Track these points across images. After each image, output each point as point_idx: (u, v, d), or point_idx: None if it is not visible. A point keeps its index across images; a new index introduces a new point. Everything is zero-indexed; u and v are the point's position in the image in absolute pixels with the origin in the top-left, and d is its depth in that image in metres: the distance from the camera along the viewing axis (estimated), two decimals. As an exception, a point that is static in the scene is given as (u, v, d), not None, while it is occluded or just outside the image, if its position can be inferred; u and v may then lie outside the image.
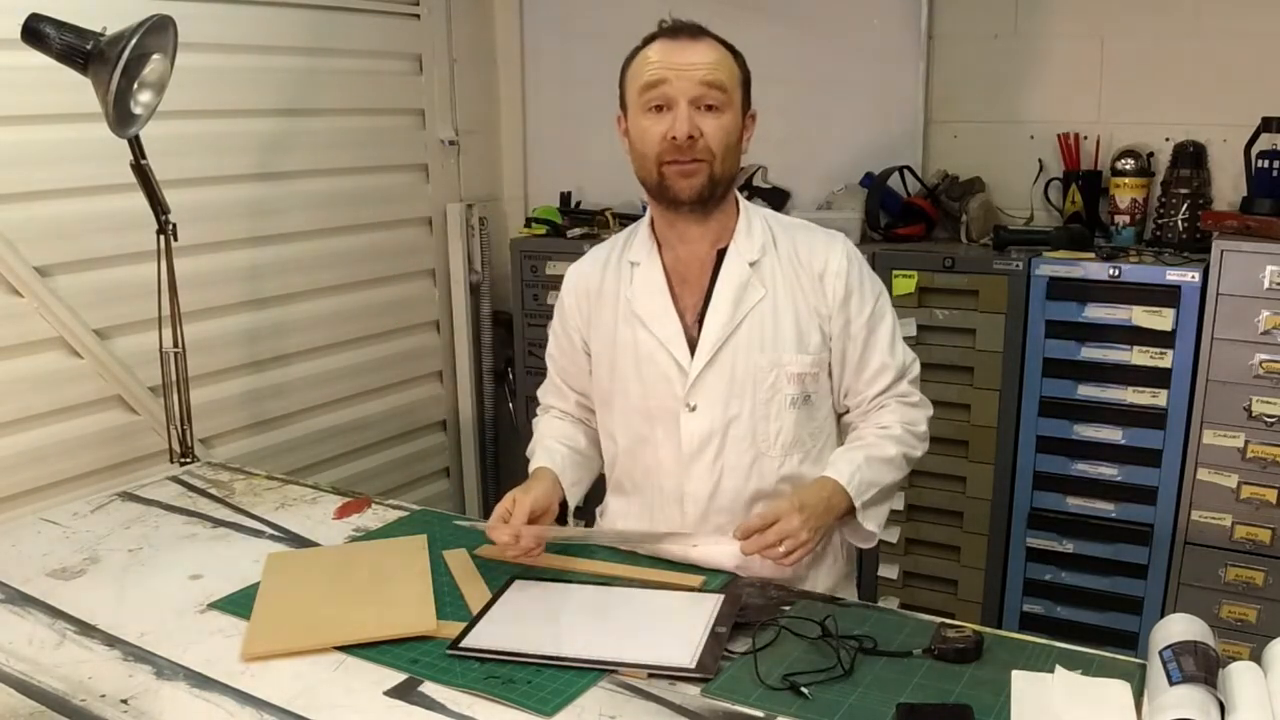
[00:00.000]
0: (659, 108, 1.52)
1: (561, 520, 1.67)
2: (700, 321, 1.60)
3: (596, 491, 1.82)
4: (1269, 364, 2.21)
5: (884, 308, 1.64)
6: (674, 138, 1.50)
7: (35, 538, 1.79)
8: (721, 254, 1.61)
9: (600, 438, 1.77)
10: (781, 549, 1.45)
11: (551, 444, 1.74)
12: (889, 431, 1.62)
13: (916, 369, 1.69)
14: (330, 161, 2.93)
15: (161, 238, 2.14)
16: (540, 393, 1.86)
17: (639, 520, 1.70)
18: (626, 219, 3.11)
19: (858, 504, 1.55)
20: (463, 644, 1.36)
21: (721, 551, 1.58)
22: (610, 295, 1.68)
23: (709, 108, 1.51)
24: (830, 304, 1.60)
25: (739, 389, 1.59)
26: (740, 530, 1.47)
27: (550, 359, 1.81)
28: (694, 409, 1.60)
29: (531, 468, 1.71)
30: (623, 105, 1.60)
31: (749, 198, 3.04)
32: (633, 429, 1.67)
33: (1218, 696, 1.12)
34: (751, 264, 1.60)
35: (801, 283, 1.61)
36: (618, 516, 1.75)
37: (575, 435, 1.79)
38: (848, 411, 1.69)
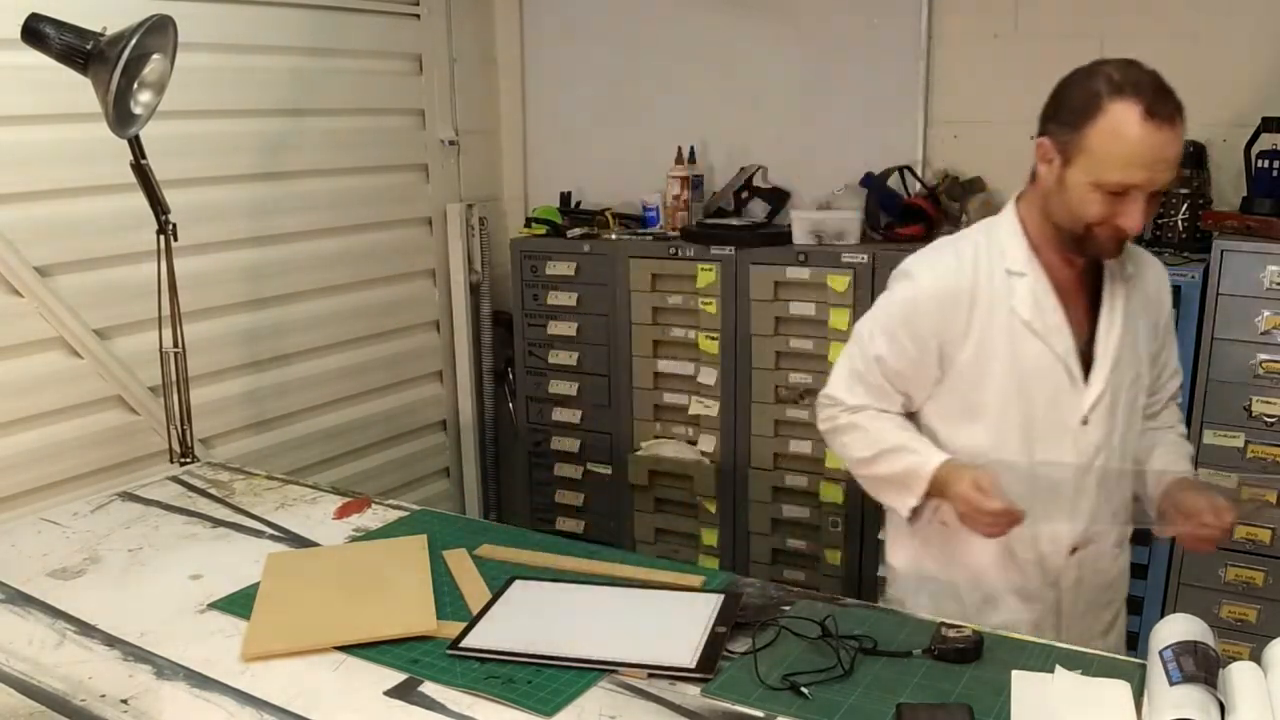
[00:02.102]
0: (1116, 192, 1.44)
1: None
2: (1089, 336, 1.60)
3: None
4: (1269, 364, 2.21)
5: (1171, 320, 1.75)
6: (1124, 229, 1.47)
7: (35, 538, 1.79)
8: (1094, 266, 1.60)
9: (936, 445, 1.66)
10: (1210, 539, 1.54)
11: (919, 437, 1.65)
12: (1179, 431, 1.78)
13: None
14: (330, 161, 2.93)
15: (161, 238, 2.14)
16: (842, 393, 1.68)
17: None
18: (626, 219, 3.11)
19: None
20: (463, 644, 1.36)
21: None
22: (986, 303, 1.58)
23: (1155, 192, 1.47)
24: (1162, 318, 1.70)
25: (1121, 401, 1.62)
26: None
27: (877, 361, 1.64)
28: (1086, 424, 1.60)
29: (928, 461, 1.60)
30: (1061, 140, 1.48)
31: (748, 198, 3.06)
32: (1008, 443, 1.60)
33: (1218, 696, 1.12)
34: (1125, 280, 1.61)
35: (1146, 298, 1.66)
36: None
37: (914, 428, 1.68)
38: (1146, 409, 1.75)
